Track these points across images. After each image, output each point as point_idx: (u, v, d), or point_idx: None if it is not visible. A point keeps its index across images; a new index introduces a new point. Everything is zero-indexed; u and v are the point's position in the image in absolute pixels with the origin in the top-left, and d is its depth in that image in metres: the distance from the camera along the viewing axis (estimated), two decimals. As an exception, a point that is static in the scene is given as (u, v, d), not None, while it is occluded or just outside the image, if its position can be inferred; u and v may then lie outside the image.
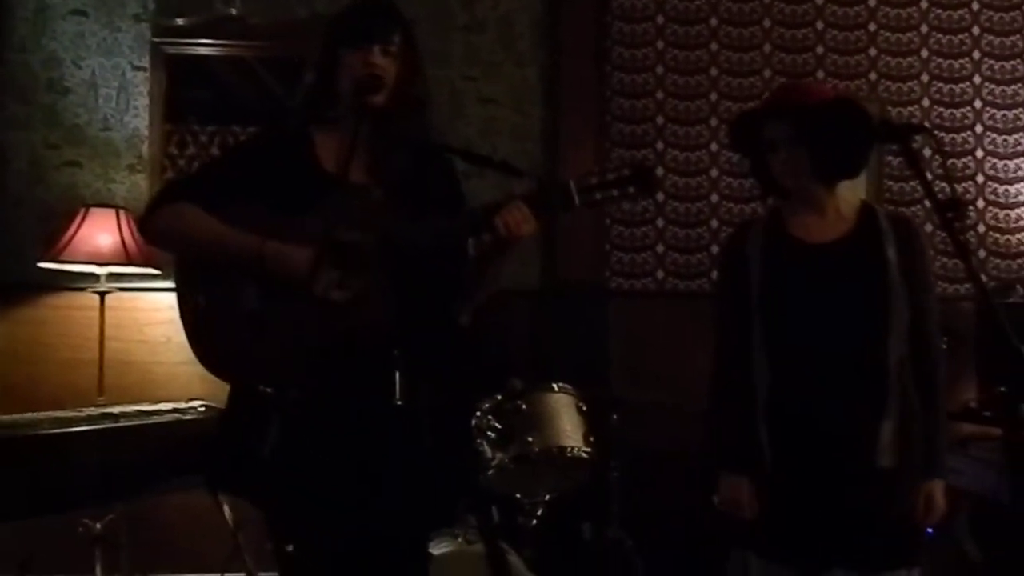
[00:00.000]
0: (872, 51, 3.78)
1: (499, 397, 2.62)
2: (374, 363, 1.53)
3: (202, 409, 2.77)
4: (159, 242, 1.73)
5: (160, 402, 2.82)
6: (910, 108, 3.76)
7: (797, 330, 1.85)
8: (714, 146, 3.72)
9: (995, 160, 3.78)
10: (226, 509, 2.73)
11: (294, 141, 1.64)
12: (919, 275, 1.86)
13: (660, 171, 3.69)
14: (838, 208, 1.90)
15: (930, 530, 2.64)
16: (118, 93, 3.55)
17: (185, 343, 3.27)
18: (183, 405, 2.79)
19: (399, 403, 1.49)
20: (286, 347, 1.47)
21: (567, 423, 2.59)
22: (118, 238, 3.15)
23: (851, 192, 1.96)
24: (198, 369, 3.42)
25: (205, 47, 3.59)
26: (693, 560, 2.99)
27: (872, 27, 3.79)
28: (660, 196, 3.70)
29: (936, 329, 1.89)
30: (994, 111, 3.79)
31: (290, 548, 1.49)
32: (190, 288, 1.64)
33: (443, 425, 1.58)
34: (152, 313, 3.42)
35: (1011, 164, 3.78)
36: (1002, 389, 1.28)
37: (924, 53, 3.79)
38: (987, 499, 1.68)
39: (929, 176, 1.49)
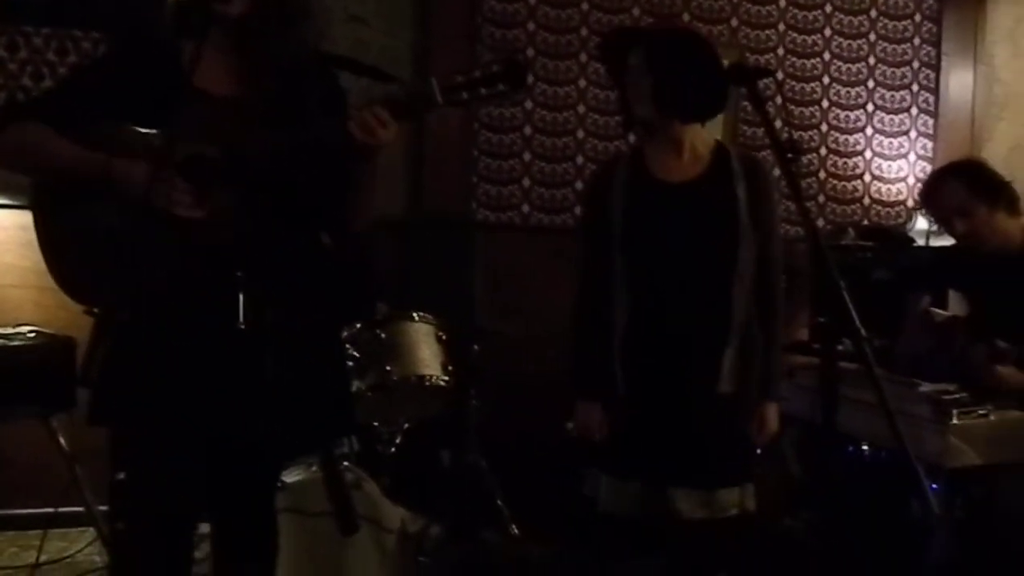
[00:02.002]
0: (735, -3, 3.90)
1: (358, 326, 2.60)
2: (218, 284, 1.47)
3: (32, 335, 2.58)
4: (4, 163, 1.63)
5: (-16, 328, 2.61)
6: (766, 56, 3.93)
7: (655, 266, 1.94)
8: (582, 82, 3.75)
9: (838, 111, 4.03)
10: (62, 440, 2.58)
11: (160, 54, 1.54)
12: (765, 215, 1.96)
13: (528, 104, 3.69)
14: (694, 147, 1.96)
15: (759, 450, 2.88)
16: (-73, -19, 3.15)
17: (13, 264, 3.04)
18: (10, 331, 2.60)
19: (242, 327, 1.44)
20: (127, 268, 1.39)
21: (426, 352, 2.61)
22: (-68, 147, 2.83)
23: (708, 133, 2.04)
24: (29, 293, 3.18)
25: (35, -64, 3.23)
26: (548, 483, 3.12)
27: (736, -27, 3.90)
28: (528, 130, 3.72)
29: (778, 267, 2.01)
30: (840, 64, 4.02)
31: (121, 476, 1.44)
32: (46, 209, 1.55)
33: (296, 351, 1.54)
34: (-25, 233, 3.13)
35: (852, 115, 4.04)
36: (821, 320, 1.41)
37: (782, 3, 3.94)
38: (807, 422, 1.86)
39: (778, 123, 1.57)
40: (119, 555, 1.60)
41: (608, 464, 2.00)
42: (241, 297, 1.45)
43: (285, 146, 1.47)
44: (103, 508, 2.63)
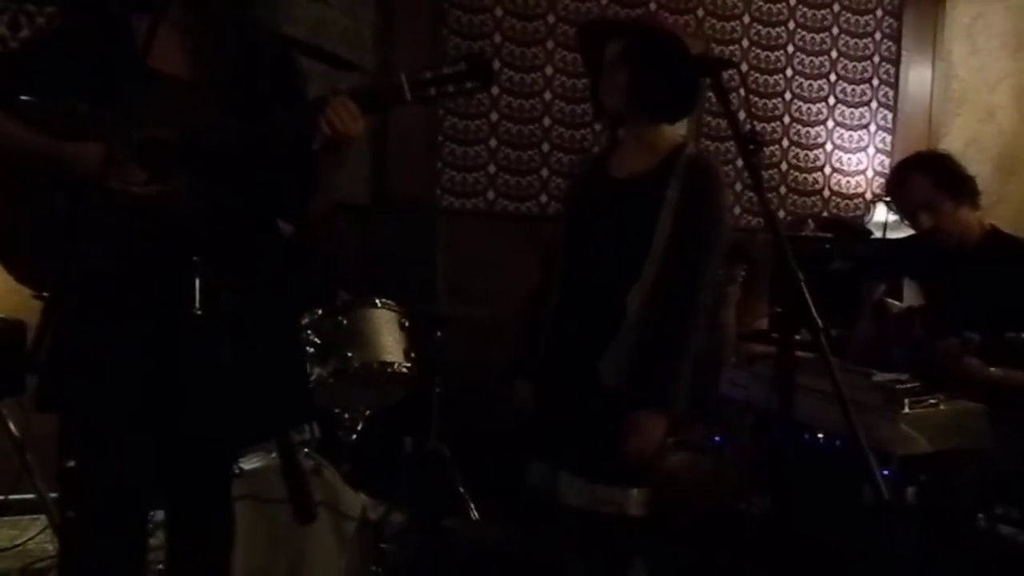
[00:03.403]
0: (701, -13, 3.92)
1: (319, 312, 2.57)
2: (173, 268, 1.44)
3: (-16, 319, 2.52)
4: None
5: (-66, 311, 2.53)
6: (731, 47, 3.95)
7: (576, 260, 1.98)
8: (549, 69, 3.74)
9: (800, 103, 4.08)
10: (11, 425, 2.52)
11: (113, 30, 1.50)
12: (696, 218, 1.86)
13: (495, 91, 3.67)
14: (653, 145, 1.95)
15: (717, 438, 2.93)
16: None
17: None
18: (-39, 315, 2.52)
19: (198, 312, 1.42)
20: (78, 251, 1.36)
21: (388, 339, 2.59)
22: None
23: (675, 129, 2.02)
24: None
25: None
26: (510, 470, 3.13)
27: (703, -36, 3.92)
28: (494, 116, 3.70)
29: (694, 281, 1.86)
30: (803, 56, 4.06)
31: (71, 464, 1.41)
32: None
33: (253, 337, 1.52)
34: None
35: (814, 108, 4.10)
36: (779, 310, 1.42)
37: (748, -7, 3.98)
38: (763, 409, 1.91)
39: (742, 114, 1.58)
40: (70, 544, 1.56)
41: (531, 444, 2.05)
42: (197, 282, 1.42)
43: (251, 134, 1.45)
44: (54, 495, 2.58)
